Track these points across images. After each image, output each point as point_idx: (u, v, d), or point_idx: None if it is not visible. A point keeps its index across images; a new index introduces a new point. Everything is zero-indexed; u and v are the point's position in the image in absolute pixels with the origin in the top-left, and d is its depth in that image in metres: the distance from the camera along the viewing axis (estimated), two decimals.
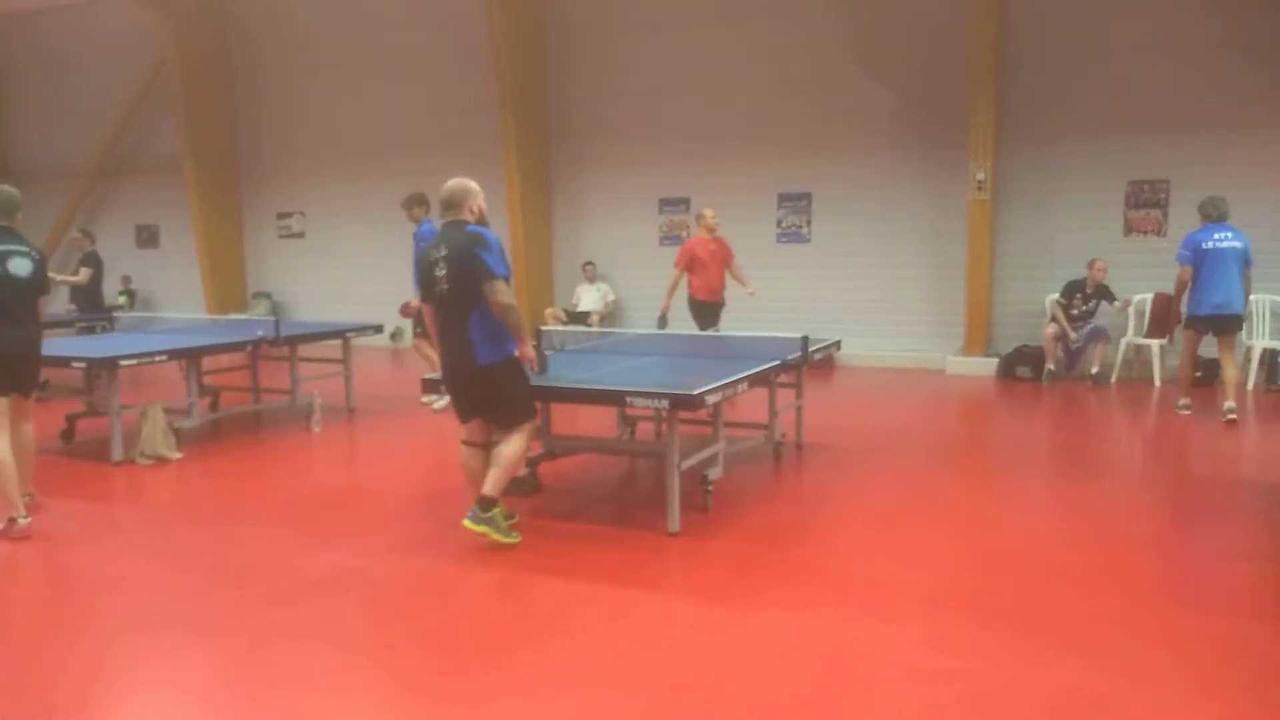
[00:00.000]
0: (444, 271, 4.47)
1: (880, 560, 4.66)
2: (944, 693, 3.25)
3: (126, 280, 15.42)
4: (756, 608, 4.02)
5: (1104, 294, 10.06)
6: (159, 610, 4.08)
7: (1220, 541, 4.80)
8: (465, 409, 4.79)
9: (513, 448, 4.65)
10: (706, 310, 9.06)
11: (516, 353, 4.63)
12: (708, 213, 9.07)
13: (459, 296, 4.48)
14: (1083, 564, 4.52)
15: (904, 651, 3.58)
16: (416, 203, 8.24)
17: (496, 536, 4.63)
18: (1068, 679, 3.34)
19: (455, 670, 3.52)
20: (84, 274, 10.62)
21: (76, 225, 15.31)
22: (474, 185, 4.65)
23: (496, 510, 4.65)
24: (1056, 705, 3.16)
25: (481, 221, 4.65)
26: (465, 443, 4.87)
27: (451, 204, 4.59)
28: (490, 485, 4.62)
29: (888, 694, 3.26)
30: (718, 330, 8.84)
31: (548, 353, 6.80)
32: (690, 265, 8.99)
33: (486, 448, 4.80)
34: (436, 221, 5.17)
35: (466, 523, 4.60)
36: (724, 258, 9.08)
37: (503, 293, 4.40)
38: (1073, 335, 9.90)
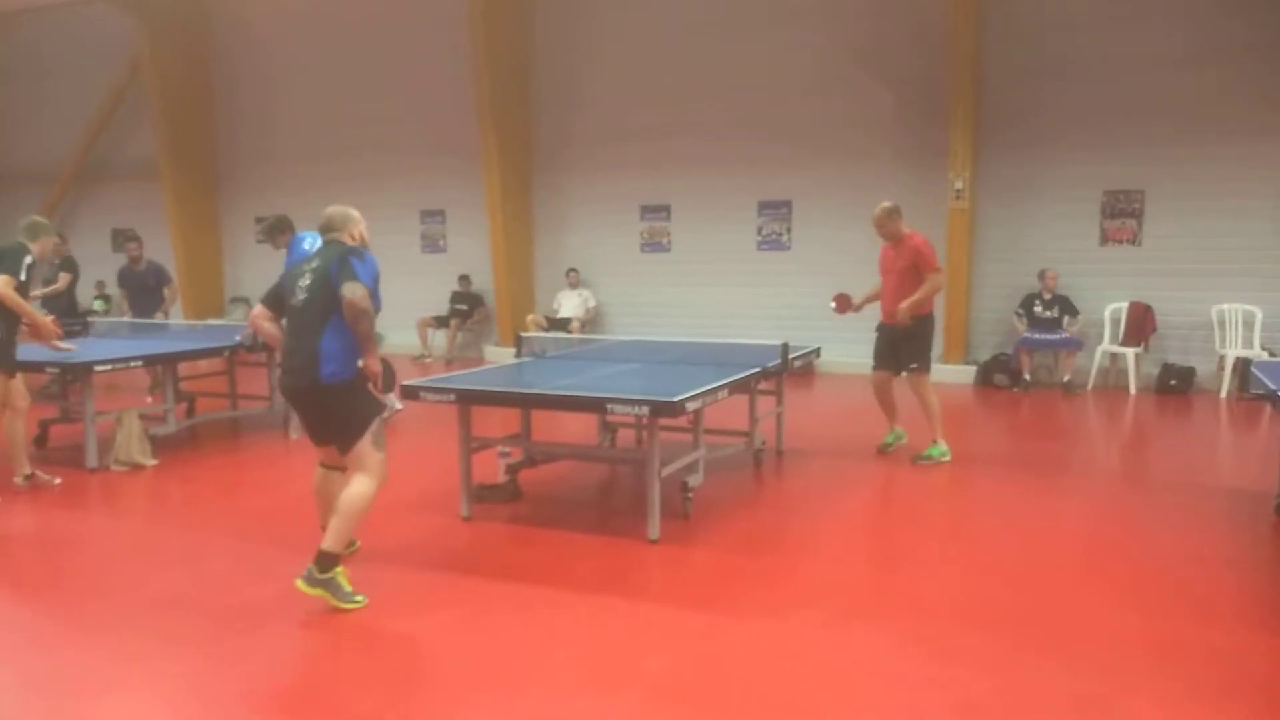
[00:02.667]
0: (308, 281, 4.20)
1: (862, 566, 4.68)
2: (927, 699, 3.26)
3: (102, 285, 15.26)
4: (738, 614, 4.02)
5: (1065, 306, 10.18)
6: (131, 619, 4.03)
7: (1201, 548, 4.84)
8: (311, 431, 4.42)
9: (357, 491, 4.13)
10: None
11: (360, 365, 4.22)
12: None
13: (314, 304, 4.16)
14: (1065, 569, 4.56)
15: (887, 658, 3.59)
16: (280, 230, 8.07)
17: (335, 602, 4.03)
18: (1052, 685, 3.35)
19: (434, 680, 3.50)
20: (63, 279, 10.49)
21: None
22: (355, 214, 4.48)
23: (338, 570, 4.08)
24: (1043, 711, 3.18)
25: (362, 244, 4.42)
26: (321, 464, 4.50)
27: (331, 227, 4.39)
28: (330, 539, 4.07)
29: (871, 701, 3.27)
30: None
31: (527, 358, 6.81)
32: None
33: (341, 471, 4.36)
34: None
35: (300, 584, 4.02)
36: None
37: (361, 297, 4.05)
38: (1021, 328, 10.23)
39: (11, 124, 16.56)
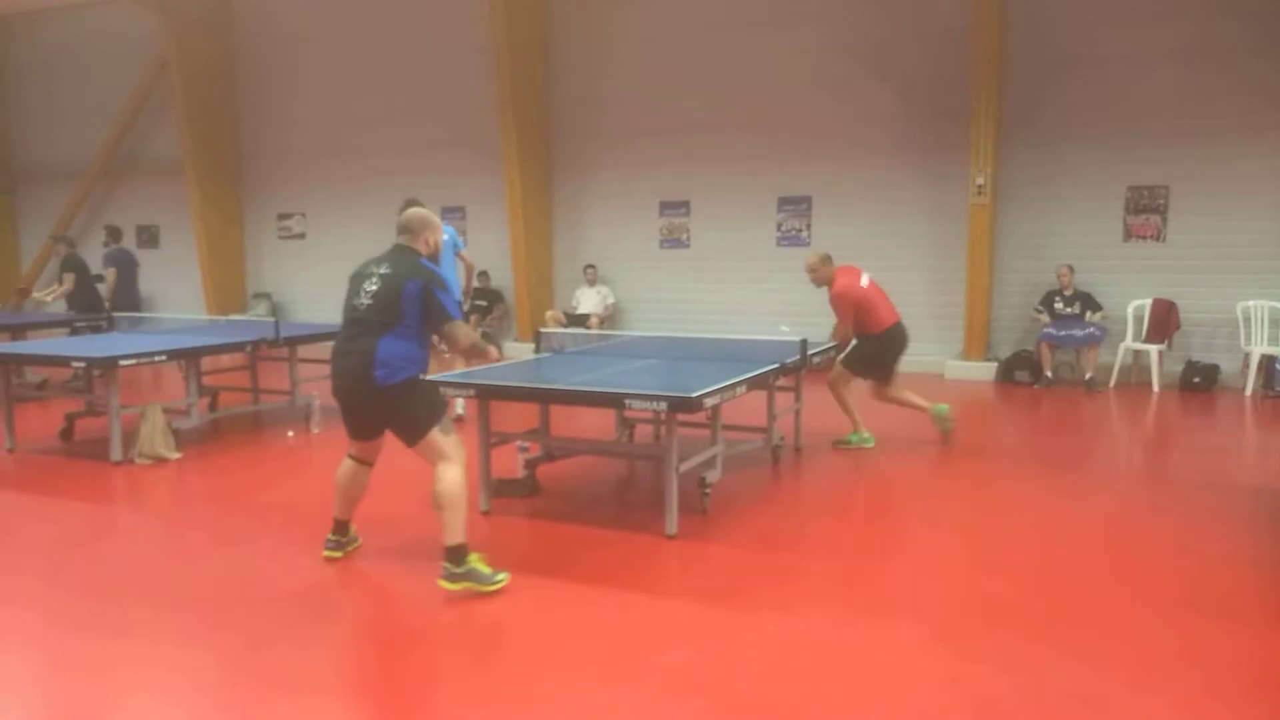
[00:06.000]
0: (375, 286, 4.18)
1: (880, 563, 4.66)
2: (946, 696, 3.24)
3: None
4: (755, 610, 4.02)
5: (1087, 302, 10.11)
6: (157, 611, 4.08)
7: (1224, 547, 4.80)
8: (353, 428, 4.44)
9: (447, 480, 4.16)
10: None
11: (415, 374, 4.23)
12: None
13: (379, 312, 4.16)
14: (1086, 567, 4.52)
15: (906, 654, 3.58)
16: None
17: (481, 588, 4.12)
18: (1072, 682, 3.33)
19: (450, 672, 3.52)
20: (68, 280, 10.61)
21: (57, 229, 15.33)
22: (435, 220, 4.44)
23: (471, 558, 4.17)
24: (1063, 709, 3.16)
25: (434, 256, 4.42)
26: (351, 455, 4.52)
27: (407, 229, 4.36)
28: (449, 534, 4.15)
29: (890, 697, 3.26)
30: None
31: (546, 354, 6.83)
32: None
33: (369, 467, 4.51)
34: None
35: (442, 583, 4.13)
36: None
37: (464, 335, 4.26)
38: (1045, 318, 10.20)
39: (35, 122, 16.75)
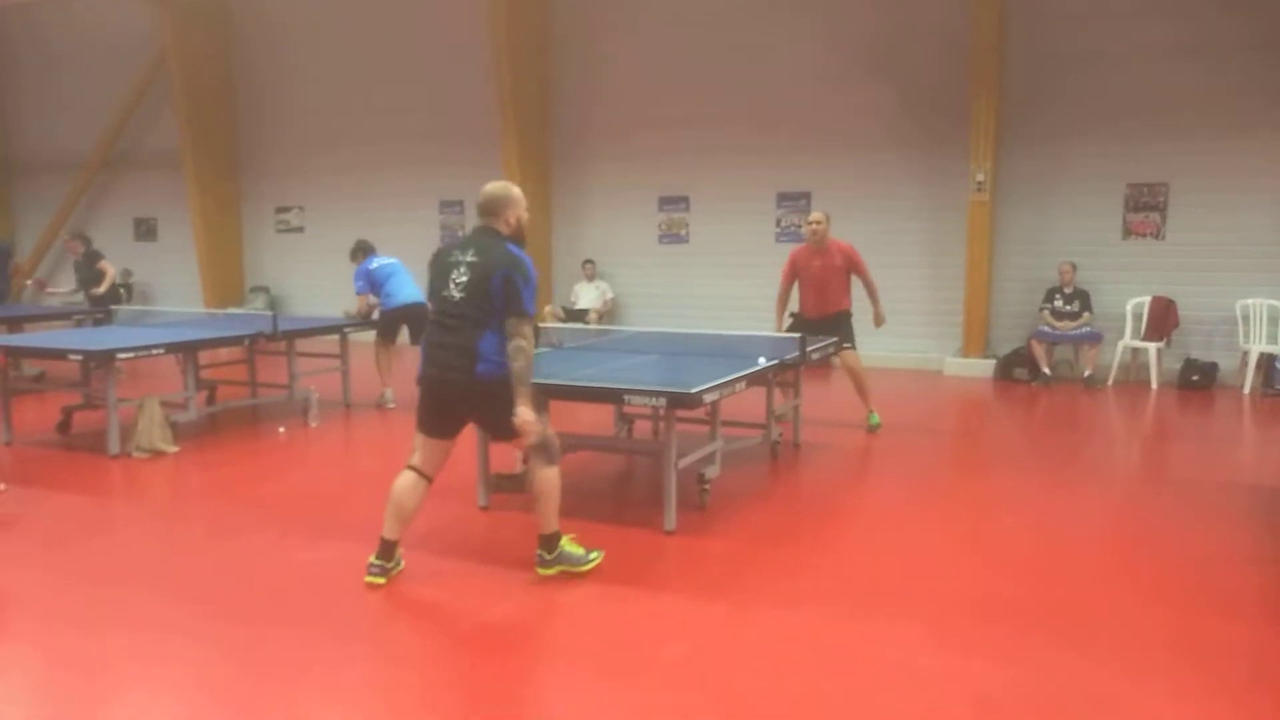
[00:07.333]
0: (465, 278, 4.05)
1: (879, 559, 4.66)
2: (944, 691, 3.25)
3: (127, 274, 15.39)
4: (753, 606, 4.02)
5: (1086, 301, 10.11)
6: (154, 604, 4.07)
7: (1223, 545, 4.80)
8: (435, 423, 4.24)
9: (541, 475, 4.24)
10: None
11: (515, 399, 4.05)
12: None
13: (471, 303, 4.05)
14: (1085, 564, 4.53)
15: (904, 650, 3.58)
16: (359, 251, 8.79)
17: (577, 569, 4.26)
18: (1071, 678, 3.34)
19: (450, 667, 3.52)
20: (110, 271, 10.65)
21: (68, 226, 15.29)
22: (517, 192, 4.20)
23: (564, 541, 4.30)
24: (1060, 704, 3.17)
25: (519, 235, 4.21)
26: (411, 466, 4.26)
27: (488, 210, 4.17)
28: (542, 522, 4.26)
29: (889, 693, 3.26)
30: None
31: (545, 349, 6.81)
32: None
33: (429, 482, 4.28)
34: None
35: (540, 570, 4.27)
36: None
37: (527, 335, 4.01)
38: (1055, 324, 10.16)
39: (34, 115, 16.69)
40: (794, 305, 7.74)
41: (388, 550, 4.23)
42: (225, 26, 14.80)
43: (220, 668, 3.49)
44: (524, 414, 4.02)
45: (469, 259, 4.09)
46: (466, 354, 4.03)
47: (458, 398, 4.14)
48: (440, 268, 4.19)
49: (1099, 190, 10.33)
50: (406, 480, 4.24)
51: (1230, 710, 3.14)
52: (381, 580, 4.20)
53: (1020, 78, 10.37)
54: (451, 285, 4.10)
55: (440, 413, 4.23)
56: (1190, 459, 7.16)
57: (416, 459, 4.28)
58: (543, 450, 4.24)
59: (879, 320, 7.67)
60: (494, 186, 4.23)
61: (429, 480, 4.28)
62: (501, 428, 4.16)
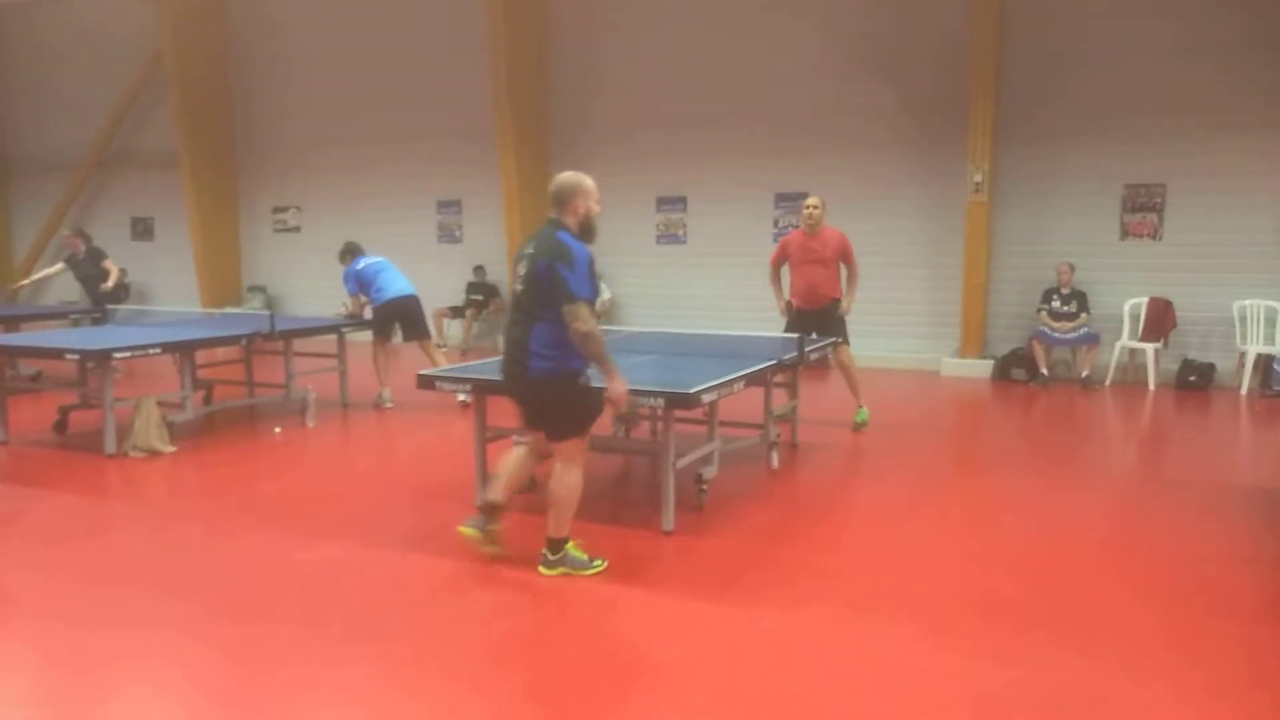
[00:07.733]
0: (524, 270, 4.09)
1: (877, 559, 4.66)
2: (943, 692, 3.24)
3: (123, 273, 15.34)
4: (751, 606, 4.01)
5: (1083, 301, 10.11)
6: (152, 604, 4.06)
7: (1220, 545, 4.80)
8: (521, 415, 4.41)
9: (565, 483, 4.24)
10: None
11: (577, 368, 4.13)
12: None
13: (527, 296, 4.09)
14: (1083, 564, 4.53)
15: (903, 650, 3.57)
16: (347, 252, 8.76)
17: (579, 573, 4.28)
18: (1070, 678, 3.33)
19: (448, 666, 3.51)
20: (114, 269, 10.62)
21: (67, 223, 15.24)
22: (589, 184, 4.17)
23: (569, 546, 4.32)
24: (1059, 704, 3.16)
25: (585, 225, 4.18)
26: (521, 443, 4.49)
27: (556, 200, 4.15)
28: (553, 526, 4.31)
29: (885, 693, 3.25)
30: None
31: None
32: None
33: (543, 458, 4.45)
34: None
35: (541, 569, 4.30)
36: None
37: (582, 318, 3.89)
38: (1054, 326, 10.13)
39: (30, 113, 16.66)
40: (786, 293, 7.71)
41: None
42: (223, 25, 14.79)
43: (217, 666, 3.48)
44: (613, 389, 4.12)
45: (529, 251, 4.17)
46: (522, 349, 4.13)
47: (520, 392, 4.30)
48: (516, 261, 4.27)
49: (1097, 191, 10.33)
50: (518, 452, 4.47)
51: (1230, 710, 3.13)
52: (473, 533, 4.40)
53: (1019, 78, 10.37)
54: (517, 279, 4.19)
55: (518, 406, 4.39)
56: (1188, 459, 7.16)
57: (528, 439, 4.48)
58: (626, 420, 4.35)
59: (844, 311, 7.59)
60: (565, 176, 4.24)
61: (541, 457, 4.47)
62: (552, 426, 4.25)
